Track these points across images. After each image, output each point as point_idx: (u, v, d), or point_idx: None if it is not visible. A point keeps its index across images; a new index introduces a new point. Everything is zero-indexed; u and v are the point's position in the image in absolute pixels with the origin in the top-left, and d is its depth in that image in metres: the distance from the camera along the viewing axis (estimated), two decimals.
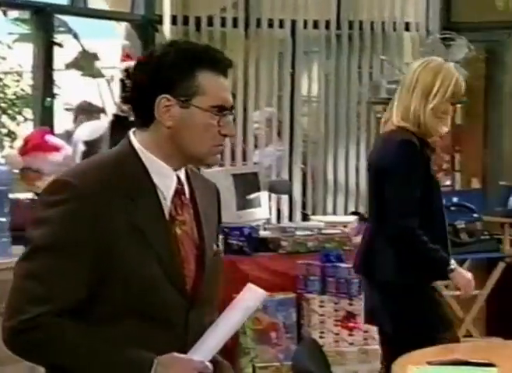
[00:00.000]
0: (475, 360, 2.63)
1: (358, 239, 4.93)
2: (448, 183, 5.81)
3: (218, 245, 2.06)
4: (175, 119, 1.90)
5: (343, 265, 4.50)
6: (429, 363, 2.63)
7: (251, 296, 1.96)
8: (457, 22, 6.06)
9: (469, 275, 3.30)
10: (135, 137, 1.94)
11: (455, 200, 5.59)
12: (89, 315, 1.86)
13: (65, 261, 1.83)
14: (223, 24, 5.66)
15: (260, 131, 5.79)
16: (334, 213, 5.91)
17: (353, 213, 5.67)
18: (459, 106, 5.74)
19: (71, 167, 2.00)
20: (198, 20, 5.61)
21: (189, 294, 1.93)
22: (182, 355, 1.86)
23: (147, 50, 1.98)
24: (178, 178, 1.96)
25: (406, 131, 3.23)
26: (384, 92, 5.72)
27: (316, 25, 5.90)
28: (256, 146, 5.86)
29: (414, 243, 3.21)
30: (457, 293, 3.47)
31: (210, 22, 5.62)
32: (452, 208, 5.52)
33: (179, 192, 1.95)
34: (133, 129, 1.97)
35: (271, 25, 5.79)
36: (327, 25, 5.93)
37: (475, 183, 5.81)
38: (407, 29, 6.11)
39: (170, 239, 1.92)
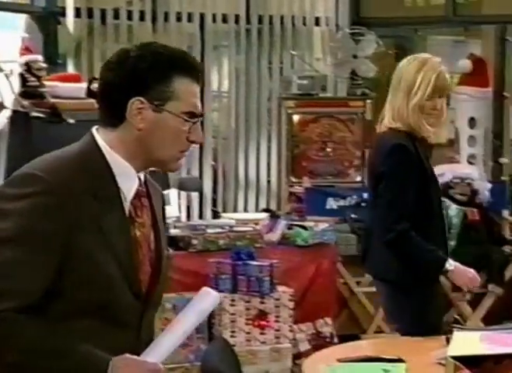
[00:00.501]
0: (384, 356, 2.63)
1: (270, 236, 4.92)
2: (359, 179, 5.80)
3: (168, 249, 2.04)
4: (146, 122, 1.87)
5: (254, 263, 4.46)
6: (340, 360, 2.62)
7: (206, 299, 1.96)
8: (366, 18, 6.07)
9: (470, 272, 3.22)
10: (99, 135, 1.90)
11: (365, 196, 5.57)
12: (48, 311, 1.83)
13: (32, 255, 1.79)
14: (130, 17, 5.51)
15: None
16: (246, 210, 5.84)
17: (264, 210, 5.62)
18: (368, 101, 5.79)
19: (35, 161, 1.91)
20: (103, 13, 5.44)
21: (143, 297, 1.92)
22: (135, 357, 1.84)
23: (121, 50, 1.92)
24: (139, 179, 1.93)
25: (398, 132, 3.19)
26: (295, 87, 5.69)
27: (225, 19, 5.83)
28: None
29: (409, 246, 3.20)
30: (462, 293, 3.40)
31: (116, 15, 5.47)
32: (362, 204, 5.51)
33: (139, 194, 1.93)
34: (96, 126, 1.92)
35: (179, 18, 5.68)
36: (237, 19, 5.87)
37: None
38: (317, 23, 6.09)
39: (129, 241, 1.89)
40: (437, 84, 3.19)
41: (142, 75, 1.86)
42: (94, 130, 1.91)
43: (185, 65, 1.88)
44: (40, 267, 1.80)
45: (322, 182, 5.72)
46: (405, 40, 6.24)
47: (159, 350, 1.90)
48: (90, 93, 4.31)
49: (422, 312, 3.27)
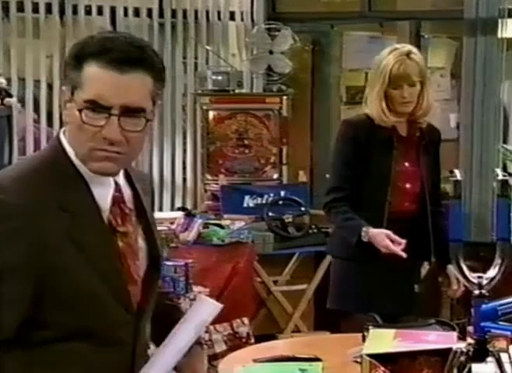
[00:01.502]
0: (301, 356, 2.65)
1: (185, 235, 4.82)
2: (276, 176, 5.75)
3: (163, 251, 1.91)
4: (67, 114, 1.71)
5: (169, 263, 4.34)
6: (256, 361, 2.62)
7: (204, 308, 1.81)
8: (282, 13, 6.03)
9: (385, 232, 3.21)
10: (65, 138, 1.73)
11: (283, 193, 5.55)
12: (29, 340, 1.70)
13: (3, 288, 1.65)
14: (36, 10, 5.30)
15: None
16: (161, 209, 5.72)
17: (180, 208, 5.54)
18: (285, 98, 5.74)
19: None
20: (6, 5, 5.21)
21: (135, 309, 1.78)
22: None
23: None
24: (116, 184, 1.75)
25: (363, 115, 3.34)
26: (210, 83, 5.60)
27: (137, 13, 5.69)
28: None
29: (332, 216, 3.36)
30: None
31: (20, 8, 5.25)
32: (280, 202, 5.48)
33: (117, 200, 1.75)
34: (63, 128, 1.75)
35: (88, 12, 5.50)
36: (150, 13, 5.74)
37: (302, 177, 5.76)
38: (232, 18, 6.01)
39: (111, 253, 1.73)
40: (397, 72, 3.25)
41: (65, 63, 1.72)
42: (61, 132, 1.74)
43: (97, 49, 1.67)
44: (11, 299, 1.66)
45: (239, 179, 5.65)
46: (322, 35, 6.21)
47: (160, 366, 1.77)
48: None
49: (349, 287, 3.31)
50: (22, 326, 1.69)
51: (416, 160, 3.37)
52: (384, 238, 3.20)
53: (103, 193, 1.75)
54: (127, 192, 1.81)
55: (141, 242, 1.82)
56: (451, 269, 3.36)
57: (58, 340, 1.72)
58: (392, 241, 3.20)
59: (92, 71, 1.67)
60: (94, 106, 1.67)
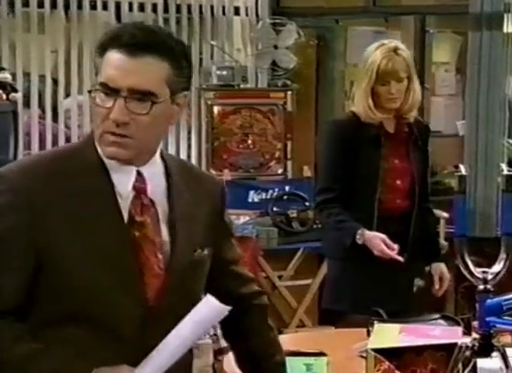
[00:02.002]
0: (306, 351, 2.59)
1: None
2: (280, 171, 5.74)
3: (204, 249, 1.86)
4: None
5: None
6: None
7: (208, 309, 1.76)
8: (286, 8, 6.01)
9: (380, 236, 3.20)
10: None
11: (287, 188, 5.55)
12: (31, 321, 1.74)
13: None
14: (41, 5, 5.28)
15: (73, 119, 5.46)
16: None
17: None
18: (290, 93, 5.74)
19: (19, 159, 1.88)
20: (11, 0, 5.19)
21: (150, 303, 1.75)
22: (126, 369, 1.69)
23: None
24: (140, 175, 1.77)
25: (351, 112, 3.34)
26: (214, 78, 5.59)
27: (142, 7, 5.68)
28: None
29: (323, 218, 3.37)
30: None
31: (25, 3, 5.23)
32: (284, 197, 5.48)
33: (138, 190, 1.77)
34: None
35: (94, 6, 5.50)
36: (154, 8, 5.72)
37: (307, 171, 5.76)
38: (236, 13, 6.00)
39: (124, 243, 1.73)
40: (384, 68, 3.23)
41: (94, 54, 1.79)
42: None
43: (113, 35, 1.75)
44: (6, 270, 1.70)
45: (243, 174, 5.65)
46: (326, 30, 6.20)
47: (155, 364, 1.73)
48: None
49: (343, 287, 3.30)
50: (26, 304, 1.72)
51: (406, 156, 3.34)
52: (380, 243, 3.18)
53: (124, 181, 1.77)
54: (155, 184, 1.81)
55: (165, 237, 1.81)
56: (436, 267, 3.36)
57: (59, 325, 1.73)
58: (387, 246, 3.19)
59: (108, 56, 1.73)
60: (105, 88, 1.72)
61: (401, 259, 3.19)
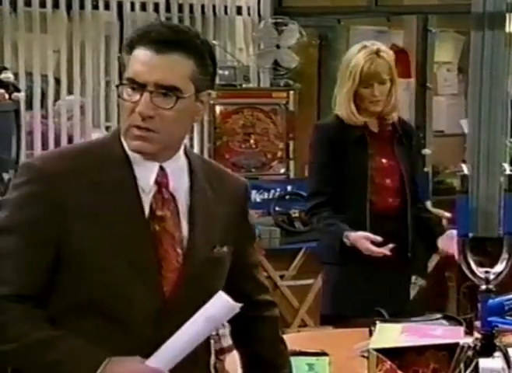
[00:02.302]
0: (308, 350, 2.61)
1: None
2: (282, 171, 5.74)
3: (223, 247, 1.88)
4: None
5: None
6: None
7: (219, 306, 1.77)
8: (288, 7, 6.02)
9: (366, 235, 3.19)
10: None
11: (289, 188, 5.55)
12: (51, 307, 1.78)
13: (18, 244, 1.76)
14: (43, 5, 5.29)
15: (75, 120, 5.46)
16: None
17: None
18: (292, 92, 5.73)
19: (48, 151, 1.91)
20: (13, 0, 5.20)
21: (166, 295, 1.78)
22: (137, 360, 1.72)
23: None
24: (162, 169, 1.80)
25: (334, 115, 3.34)
26: (217, 78, 5.57)
27: (144, 7, 5.69)
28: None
29: (315, 222, 3.36)
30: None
31: (28, 3, 5.23)
32: (286, 197, 5.48)
33: (159, 184, 1.80)
34: None
35: (95, 6, 5.50)
36: (156, 7, 5.73)
37: None
38: (239, 13, 6.01)
39: (144, 236, 1.77)
40: (367, 71, 3.23)
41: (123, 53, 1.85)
42: None
43: (141, 33, 1.80)
44: (27, 256, 1.74)
45: (245, 174, 5.62)
46: (328, 29, 6.20)
47: (165, 357, 1.75)
48: (0, 83, 4.16)
49: (342, 292, 3.30)
50: (45, 290, 1.76)
51: (392, 154, 3.34)
52: (365, 242, 3.18)
53: (147, 176, 1.80)
54: (178, 180, 1.84)
55: (185, 232, 1.84)
56: (440, 241, 3.29)
57: (74, 313, 1.77)
58: (373, 242, 3.18)
59: (136, 53, 1.78)
60: (132, 83, 1.77)
61: (387, 252, 3.16)
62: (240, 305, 1.79)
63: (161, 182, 1.82)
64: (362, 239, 3.19)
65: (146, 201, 1.80)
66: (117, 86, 1.80)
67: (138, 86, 1.76)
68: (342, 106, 3.29)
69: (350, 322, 3.22)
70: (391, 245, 3.18)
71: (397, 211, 3.33)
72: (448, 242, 3.21)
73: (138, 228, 1.78)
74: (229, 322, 2.02)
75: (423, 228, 3.38)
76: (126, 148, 1.81)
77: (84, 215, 1.75)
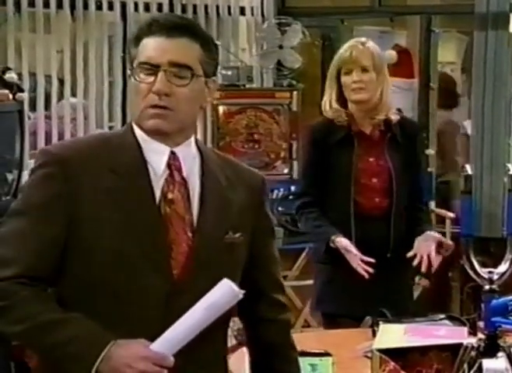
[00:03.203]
0: (311, 351, 2.61)
1: None
2: (286, 171, 5.74)
3: (236, 233, 1.90)
4: (129, 91, 1.98)
5: None
6: None
7: (224, 292, 1.78)
8: (292, 7, 6.02)
9: (344, 246, 3.18)
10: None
11: (293, 188, 5.54)
12: (62, 289, 1.83)
13: (30, 224, 1.80)
14: (47, 5, 5.27)
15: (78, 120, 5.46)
16: None
17: None
18: (295, 93, 5.73)
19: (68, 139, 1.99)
20: (17, 0, 5.16)
21: (175, 278, 1.81)
22: (143, 343, 1.74)
23: None
24: (174, 154, 1.85)
25: (323, 117, 3.35)
26: (220, 78, 5.59)
27: (147, 7, 5.68)
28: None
29: (302, 221, 3.38)
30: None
31: (31, 3, 5.21)
32: (290, 197, 5.47)
33: (171, 168, 1.85)
34: None
35: (99, 7, 5.50)
36: (160, 8, 5.72)
37: None
38: (242, 13, 6.00)
39: (154, 218, 1.81)
40: (347, 56, 3.24)
41: (128, 48, 1.91)
42: None
43: (148, 23, 1.88)
44: (38, 236, 1.77)
45: None
46: (331, 30, 6.20)
47: (169, 341, 1.77)
48: (3, 84, 4.15)
49: (320, 294, 3.35)
50: (57, 271, 1.80)
51: (382, 154, 3.29)
52: (350, 250, 3.16)
53: (158, 160, 1.85)
54: (189, 166, 1.88)
55: (195, 216, 1.87)
56: (416, 242, 3.23)
57: (84, 294, 1.80)
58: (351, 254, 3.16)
59: (145, 42, 1.85)
60: (146, 65, 1.83)
61: (370, 270, 3.13)
62: (243, 291, 1.80)
63: (173, 165, 1.86)
64: (344, 249, 3.17)
65: (158, 185, 1.85)
66: (130, 75, 1.86)
67: (152, 67, 1.83)
68: (325, 97, 3.29)
69: (337, 321, 3.21)
70: (371, 263, 3.15)
71: (385, 212, 3.29)
72: (420, 244, 3.20)
73: (149, 211, 1.82)
74: (242, 320, 2.04)
75: (413, 229, 3.35)
76: (138, 136, 1.87)
77: (97, 198, 1.80)
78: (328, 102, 3.29)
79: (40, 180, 1.84)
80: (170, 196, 1.85)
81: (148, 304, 1.81)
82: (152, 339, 1.77)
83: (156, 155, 1.86)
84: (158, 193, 1.84)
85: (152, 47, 1.84)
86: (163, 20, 1.87)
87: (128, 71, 1.90)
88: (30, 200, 1.84)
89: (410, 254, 3.20)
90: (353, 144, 3.28)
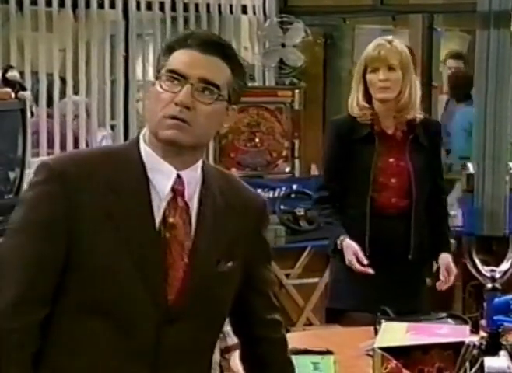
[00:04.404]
0: (313, 349, 2.63)
1: None
2: (288, 169, 5.74)
3: (228, 262, 1.86)
4: (147, 98, 1.87)
5: None
6: None
7: None
8: (294, 6, 6.02)
9: (349, 248, 3.18)
10: (143, 137, 1.86)
11: (295, 187, 5.55)
12: (55, 306, 1.78)
13: (32, 243, 1.77)
14: (49, 3, 5.28)
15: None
16: None
17: None
18: (297, 91, 5.73)
19: (66, 153, 1.93)
20: None
21: (169, 305, 1.78)
22: None
23: None
24: (179, 178, 1.80)
25: (347, 113, 3.33)
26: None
27: (150, 6, 5.68)
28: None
29: (320, 215, 3.41)
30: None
31: (34, 2, 5.22)
32: (292, 195, 5.48)
33: (175, 192, 1.80)
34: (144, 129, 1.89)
35: (101, 5, 5.50)
36: (162, 6, 5.73)
37: (314, 170, 5.76)
38: (244, 12, 6.00)
39: (152, 241, 1.77)
40: (375, 55, 3.21)
41: (158, 57, 1.86)
42: (142, 131, 1.86)
43: (184, 36, 1.84)
44: (37, 255, 1.74)
45: (250, 173, 5.64)
46: (334, 28, 6.20)
47: None
48: (6, 82, 4.16)
49: (333, 286, 3.36)
50: (54, 289, 1.76)
51: (403, 155, 3.28)
52: (351, 254, 3.18)
53: (162, 182, 1.80)
54: (191, 190, 1.83)
55: (195, 244, 1.83)
56: (444, 258, 3.29)
57: (80, 314, 1.77)
58: (358, 259, 3.17)
59: (178, 53, 1.81)
60: (174, 74, 1.78)
61: (370, 271, 3.16)
62: None
63: (177, 189, 1.81)
64: (349, 250, 3.19)
65: (160, 208, 1.80)
66: (157, 78, 1.80)
67: (180, 78, 1.78)
68: (352, 96, 3.28)
69: (352, 315, 3.22)
70: (366, 261, 3.17)
71: (403, 212, 3.28)
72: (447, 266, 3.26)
73: (149, 234, 1.78)
74: (239, 342, 2.04)
75: (436, 226, 3.35)
76: (143, 152, 1.81)
77: (96, 217, 1.76)
78: (356, 100, 3.27)
79: (40, 198, 1.78)
80: (171, 220, 1.80)
81: (140, 328, 1.78)
82: (145, 363, 1.77)
83: (161, 176, 1.80)
84: (159, 217, 1.79)
85: (184, 59, 1.80)
86: (200, 36, 1.83)
87: (152, 79, 1.86)
88: (31, 217, 1.79)
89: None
90: (374, 143, 3.27)
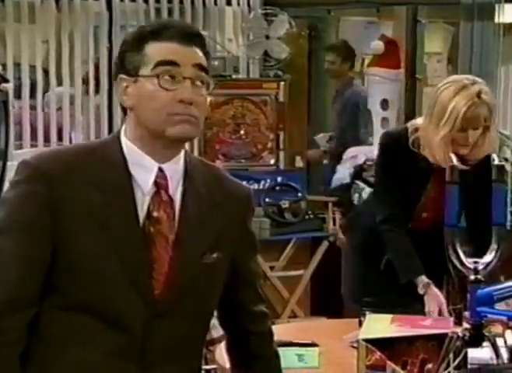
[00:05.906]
0: (298, 341, 2.65)
1: None
2: (272, 162, 5.74)
3: (213, 253, 1.85)
4: (131, 97, 1.79)
5: None
6: None
7: None
8: None
9: (436, 299, 3.00)
10: (124, 133, 1.84)
11: (279, 179, 5.54)
12: (43, 303, 1.78)
13: (18, 244, 1.75)
14: None
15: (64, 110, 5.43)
16: None
17: None
18: (282, 83, 5.72)
19: (47, 150, 1.96)
20: None
21: (156, 299, 1.77)
22: None
23: None
24: (162, 171, 1.79)
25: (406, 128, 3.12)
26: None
27: None
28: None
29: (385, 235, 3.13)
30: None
31: None
32: (276, 188, 5.48)
33: (159, 186, 1.79)
34: (124, 125, 1.85)
35: None
36: None
37: (299, 162, 5.75)
38: (228, 3, 5.98)
39: (137, 237, 1.76)
40: (468, 116, 2.94)
41: (120, 52, 1.82)
42: (123, 127, 1.84)
43: (158, 28, 1.80)
44: (25, 256, 1.73)
45: (235, 165, 5.63)
46: (318, 20, 6.20)
47: None
48: None
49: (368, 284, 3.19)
50: (40, 287, 1.76)
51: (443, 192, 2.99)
52: (435, 305, 2.96)
53: (145, 177, 1.79)
54: (175, 182, 1.83)
55: (179, 236, 1.82)
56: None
57: (68, 310, 1.76)
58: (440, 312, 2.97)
59: (154, 47, 1.78)
60: (168, 64, 1.76)
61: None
62: None
63: (160, 183, 1.80)
64: (435, 303, 2.97)
65: (144, 202, 1.79)
66: (157, 76, 1.76)
67: (174, 67, 1.76)
68: (438, 150, 2.98)
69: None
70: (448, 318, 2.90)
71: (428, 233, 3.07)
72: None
73: (132, 229, 1.77)
74: (226, 334, 2.03)
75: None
76: (125, 149, 1.80)
77: (80, 215, 1.75)
78: (448, 160, 2.95)
79: (23, 197, 1.77)
80: (155, 215, 1.79)
81: (128, 323, 1.77)
82: (133, 358, 1.77)
83: (143, 170, 1.79)
84: (143, 212, 1.79)
85: (168, 51, 1.77)
86: (177, 27, 1.80)
87: (122, 76, 1.79)
88: (15, 218, 1.77)
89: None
90: (428, 180, 3.12)
